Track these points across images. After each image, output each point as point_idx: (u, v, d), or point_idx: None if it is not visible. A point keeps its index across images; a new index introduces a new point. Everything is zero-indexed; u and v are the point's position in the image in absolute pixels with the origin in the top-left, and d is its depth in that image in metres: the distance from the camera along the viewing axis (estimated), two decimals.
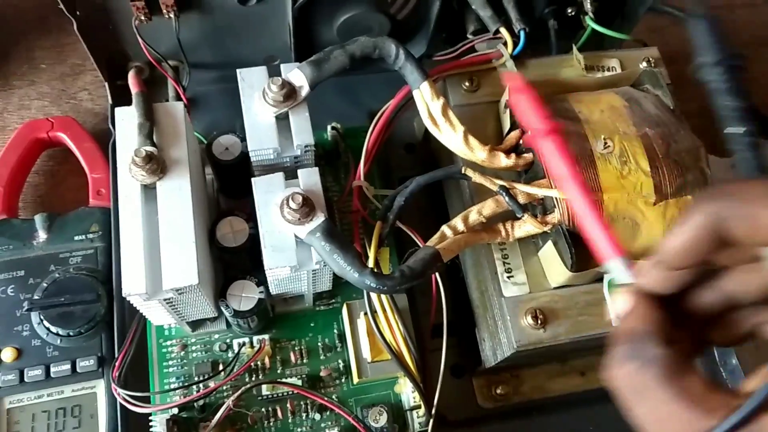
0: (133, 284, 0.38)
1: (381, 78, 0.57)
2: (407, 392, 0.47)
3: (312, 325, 0.50)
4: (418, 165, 0.58)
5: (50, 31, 0.65)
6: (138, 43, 0.51)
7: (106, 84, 0.56)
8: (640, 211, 0.42)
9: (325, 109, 0.51)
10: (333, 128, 0.54)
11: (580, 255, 0.41)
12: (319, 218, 0.40)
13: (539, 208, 0.43)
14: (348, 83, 0.60)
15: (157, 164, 0.40)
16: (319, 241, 0.40)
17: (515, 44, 0.49)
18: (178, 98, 0.55)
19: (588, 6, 0.54)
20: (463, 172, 0.42)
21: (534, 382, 0.52)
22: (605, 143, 0.42)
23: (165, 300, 0.40)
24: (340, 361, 0.49)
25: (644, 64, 0.51)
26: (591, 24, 0.53)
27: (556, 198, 0.41)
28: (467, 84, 0.49)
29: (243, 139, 0.47)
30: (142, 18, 0.50)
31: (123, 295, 0.38)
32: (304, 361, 0.49)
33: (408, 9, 0.54)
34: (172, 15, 0.50)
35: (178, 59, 0.55)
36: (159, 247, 0.39)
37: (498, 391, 0.51)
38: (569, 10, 0.56)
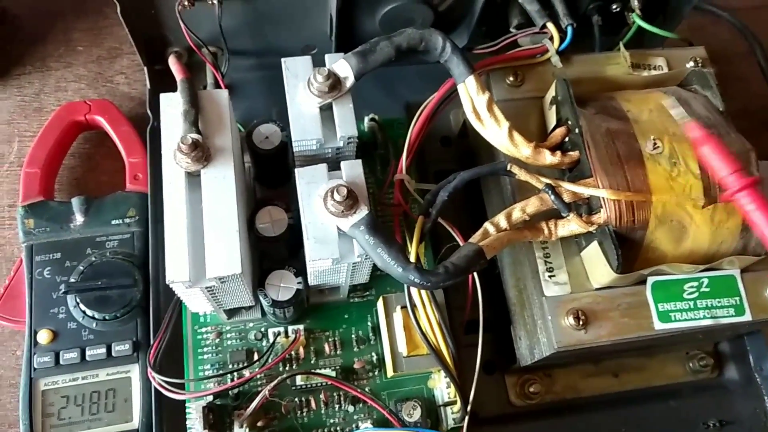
0: (176, 272, 0.38)
1: (415, 69, 0.56)
2: (441, 387, 0.47)
3: (346, 316, 0.50)
4: (454, 159, 0.57)
5: (87, 14, 0.65)
6: (178, 28, 0.51)
7: (145, 68, 0.56)
8: (688, 215, 0.41)
9: (359, 99, 0.51)
10: (372, 119, 0.54)
11: (626, 256, 0.40)
12: (363, 211, 0.40)
13: (584, 207, 0.43)
14: (383, 74, 0.59)
15: (202, 152, 0.40)
16: (362, 235, 0.39)
17: (562, 40, 0.48)
18: (217, 85, 0.54)
19: (635, 2, 0.52)
20: (508, 168, 0.42)
21: (567, 381, 0.52)
22: (654, 144, 0.42)
23: (207, 288, 0.40)
24: (373, 353, 0.49)
25: (691, 63, 0.50)
26: (638, 21, 0.52)
27: (603, 198, 0.41)
28: (511, 78, 0.48)
29: (283, 129, 0.47)
30: (186, 3, 0.49)
31: (166, 282, 0.38)
32: (338, 352, 0.49)
33: (451, 0, 0.53)
34: (215, 1, 0.49)
35: (218, 45, 0.55)
36: (203, 236, 0.39)
37: (530, 390, 0.51)
38: (614, 6, 0.55)
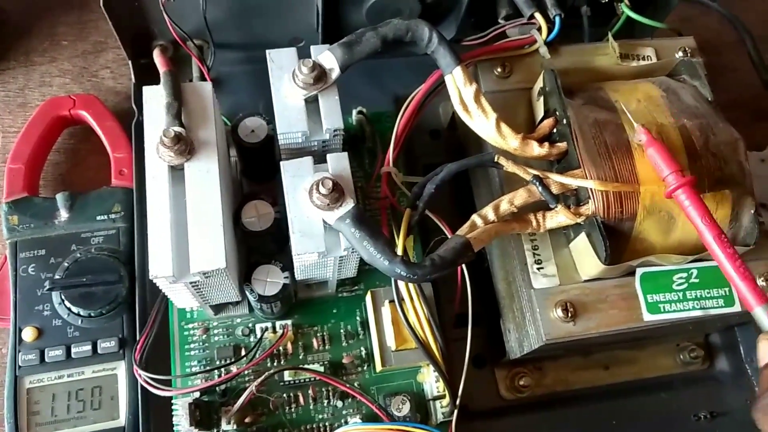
0: (160, 267, 0.37)
1: (404, 62, 0.56)
2: (430, 382, 0.47)
3: (334, 311, 0.49)
4: (444, 152, 0.57)
5: (72, 8, 0.64)
6: (163, 21, 0.50)
7: (130, 62, 0.55)
8: (677, 205, 0.41)
9: (348, 92, 0.51)
10: (359, 112, 0.53)
11: (614, 247, 0.40)
12: (349, 204, 0.40)
13: (572, 198, 0.42)
14: (371, 67, 0.58)
15: (185, 145, 0.40)
16: (348, 228, 0.39)
17: (550, 30, 0.48)
18: (202, 78, 0.54)
19: None
20: (496, 160, 0.42)
21: (557, 374, 0.52)
22: None
23: (191, 283, 0.39)
24: (362, 348, 0.48)
25: (680, 53, 0.50)
26: (627, 11, 0.51)
27: (590, 189, 0.40)
28: (499, 70, 0.48)
29: (269, 122, 0.46)
30: None
31: (150, 277, 0.37)
32: (326, 347, 0.48)
33: None
34: None
35: (203, 39, 0.54)
36: (186, 230, 0.38)
37: (521, 383, 0.51)
38: None
